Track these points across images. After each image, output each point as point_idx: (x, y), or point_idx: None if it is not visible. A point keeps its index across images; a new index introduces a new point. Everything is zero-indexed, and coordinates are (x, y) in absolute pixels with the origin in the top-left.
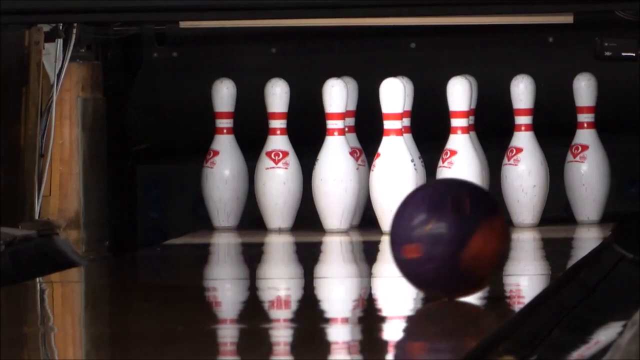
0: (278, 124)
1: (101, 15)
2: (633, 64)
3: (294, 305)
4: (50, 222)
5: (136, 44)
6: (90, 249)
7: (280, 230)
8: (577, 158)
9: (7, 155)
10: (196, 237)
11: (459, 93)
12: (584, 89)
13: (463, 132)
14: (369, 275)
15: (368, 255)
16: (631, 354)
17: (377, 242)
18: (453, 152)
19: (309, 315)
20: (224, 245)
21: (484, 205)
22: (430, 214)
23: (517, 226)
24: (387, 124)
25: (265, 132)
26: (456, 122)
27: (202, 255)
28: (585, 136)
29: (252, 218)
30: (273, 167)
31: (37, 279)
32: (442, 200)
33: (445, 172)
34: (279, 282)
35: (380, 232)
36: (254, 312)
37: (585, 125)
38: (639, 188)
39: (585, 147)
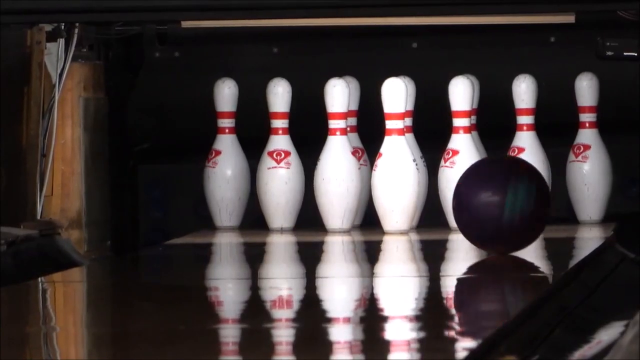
0: (280, 123)
1: (103, 15)
2: (635, 64)
3: (295, 305)
4: (52, 221)
5: (138, 44)
6: (92, 249)
7: (282, 230)
8: (579, 158)
9: (9, 155)
10: (198, 237)
11: (461, 93)
12: (586, 88)
13: (465, 132)
14: (371, 275)
15: (370, 255)
16: (633, 354)
17: (379, 242)
18: (455, 152)
19: (311, 315)
20: (226, 245)
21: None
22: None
23: None
24: (389, 124)
25: (267, 131)
26: (458, 122)
27: (203, 255)
28: (587, 136)
29: (254, 218)
30: (275, 167)
31: (39, 279)
32: None
33: (447, 172)
34: (281, 281)
35: (382, 232)
36: (255, 311)
37: (587, 125)
38: None
39: (587, 147)
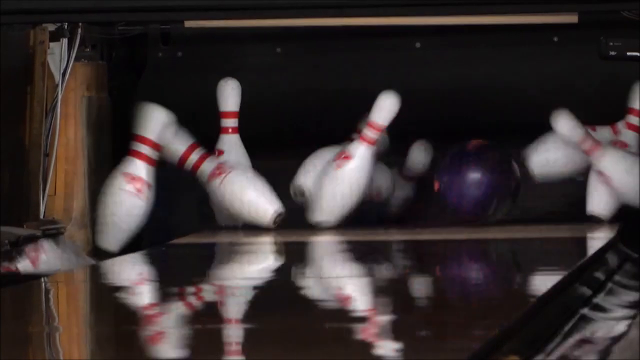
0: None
1: (106, 15)
2: (638, 64)
3: (297, 305)
4: (55, 221)
5: (141, 44)
6: (95, 249)
7: (275, 221)
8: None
9: (12, 155)
10: (201, 237)
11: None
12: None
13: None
14: (372, 274)
15: (371, 254)
16: (637, 353)
17: (380, 242)
18: None
19: (312, 314)
20: (229, 244)
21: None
22: None
23: (521, 225)
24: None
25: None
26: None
27: (207, 254)
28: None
29: None
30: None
31: (42, 279)
32: None
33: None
34: (283, 281)
35: (382, 231)
36: (258, 311)
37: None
38: None
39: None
